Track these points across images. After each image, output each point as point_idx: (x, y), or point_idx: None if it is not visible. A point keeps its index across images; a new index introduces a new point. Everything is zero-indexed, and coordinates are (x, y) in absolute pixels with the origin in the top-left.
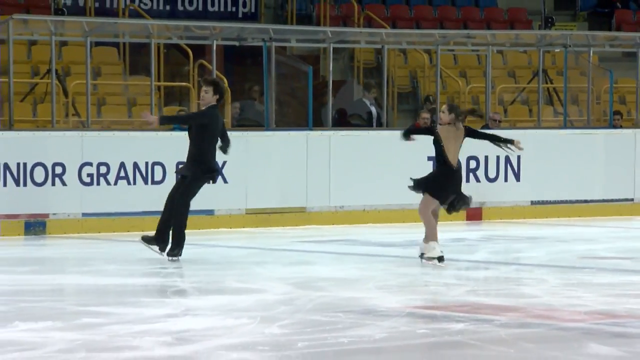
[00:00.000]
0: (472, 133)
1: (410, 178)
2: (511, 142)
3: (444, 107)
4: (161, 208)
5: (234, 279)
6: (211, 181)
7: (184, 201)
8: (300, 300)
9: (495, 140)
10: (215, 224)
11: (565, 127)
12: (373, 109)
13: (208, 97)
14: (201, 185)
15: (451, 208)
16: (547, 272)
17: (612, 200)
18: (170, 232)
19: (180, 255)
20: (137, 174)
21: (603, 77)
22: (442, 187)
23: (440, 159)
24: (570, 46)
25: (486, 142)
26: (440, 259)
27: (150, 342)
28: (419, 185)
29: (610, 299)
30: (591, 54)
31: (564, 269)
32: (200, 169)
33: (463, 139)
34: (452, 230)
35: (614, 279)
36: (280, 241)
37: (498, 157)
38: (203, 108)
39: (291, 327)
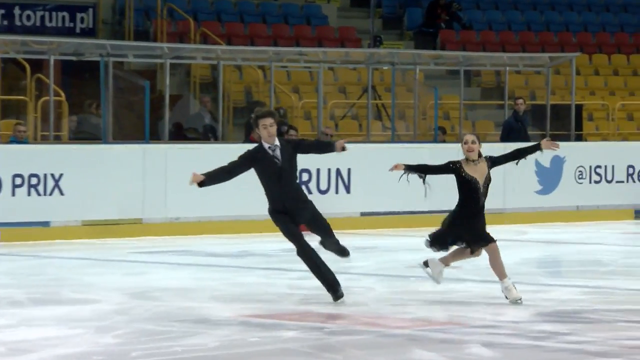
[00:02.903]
0: (496, 162)
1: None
2: (539, 147)
3: (471, 137)
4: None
5: (70, 290)
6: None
7: None
8: (136, 310)
9: (523, 155)
10: (52, 236)
11: (393, 141)
12: (209, 123)
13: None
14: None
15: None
16: (375, 281)
17: (435, 212)
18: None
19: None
20: None
21: (428, 94)
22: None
23: (471, 200)
24: (397, 64)
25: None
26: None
27: None
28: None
29: (433, 306)
30: (417, 71)
31: (391, 278)
32: None
33: (488, 172)
34: (284, 241)
35: (438, 287)
36: (117, 252)
37: (329, 170)
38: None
39: (126, 337)
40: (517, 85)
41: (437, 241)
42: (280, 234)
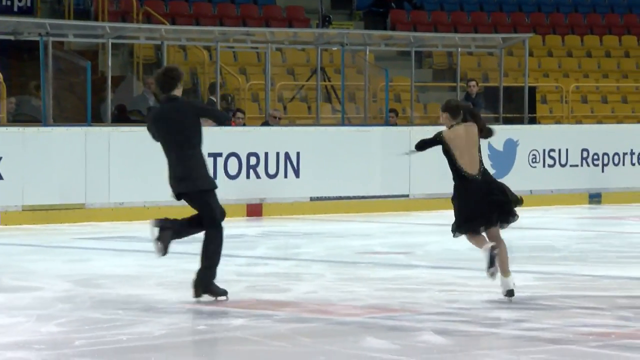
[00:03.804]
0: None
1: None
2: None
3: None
4: None
5: (10, 277)
6: None
7: None
8: (79, 297)
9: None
10: None
11: (343, 124)
12: (153, 104)
13: None
14: None
15: (500, 223)
16: (325, 267)
17: (388, 196)
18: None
19: None
20: None
21: (379, 76)
22: (468, 214)
23: (454, 170)
24: (347, 45)
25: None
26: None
27: None
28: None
29: (384, 293)
30: (367, 52)
31: (341, 264)
32: None
33: (479, 140)
34: (232, 227)
35: (388, 273)
36: (59, 238)
37: (278, 154)
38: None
39: (69, 325)
40: (470, 66)
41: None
42: (228, 219)
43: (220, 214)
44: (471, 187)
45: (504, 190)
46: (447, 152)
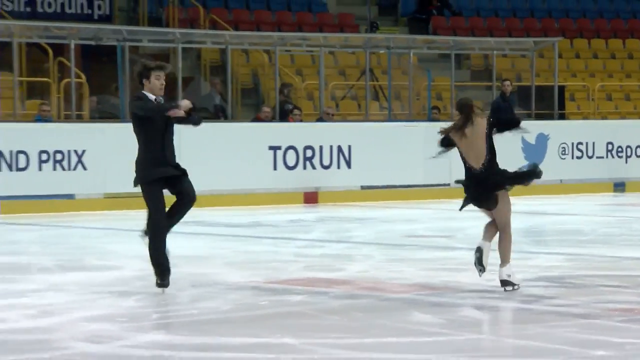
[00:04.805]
0: (497, 124)
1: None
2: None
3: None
4: (24, 192)
5: (94, 257)
6: None
7: None
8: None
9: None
10: (76, 207)
11: (389, 120)
12: (219, 103)
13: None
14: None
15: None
16: (374, 249)
17: (431, 185)
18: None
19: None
20: (2, 161)
21: (422, 76)
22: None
23: (465, 165)
24: (393, 48)
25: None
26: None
27: (17, 314)
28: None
29: (428, 273)
30: (411, 55)
31: (389, 247)
32: None
33: (487, 134)
34: (290, 212)
35: (432, 254)
36: (137, 223)
37: (331, 147)
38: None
39: (146, 301)
40: (504, 67)
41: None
42: (287, 206)
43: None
44: (472, 177)
45: (503, 173)
46: (455, 148)
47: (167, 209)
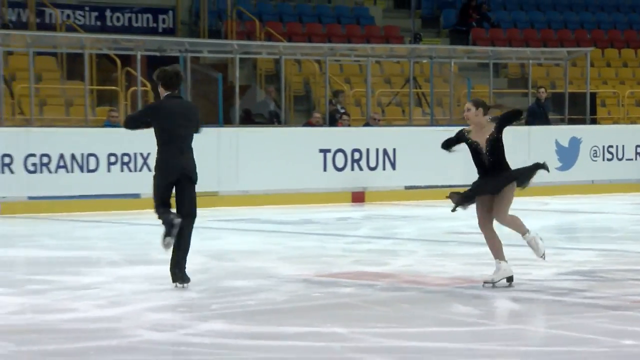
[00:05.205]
0: (503, 121)
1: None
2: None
3: (467, 105)
4: (94, 192)
5: (158, 252)
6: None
7: None
8: (214, 269)
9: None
10: (141, 206)
11: (432, 125)
12: (273, 109)
13: None
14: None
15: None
16: (418, 245)
17: (470, 185)
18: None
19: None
20: (75, 164)
21: (462, 84)
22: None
23: (478, 163)
24: (435, 58)
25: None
26: (510, 278)
27: (87, 305)
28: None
29: (468, 267)
30: (452, 64)
31: (431, 243)
32: None
33: (497, 137)
34: (339, 211)
35: (472, 250)
36: (197, 220)
37: (377, 150)
38: None
39: (206, 292)
40: (539, 76)
41: (464, 200)
42: (336, 205)
43: None
44: (486, 173)
45: (512, 170)
46: (472, 146)
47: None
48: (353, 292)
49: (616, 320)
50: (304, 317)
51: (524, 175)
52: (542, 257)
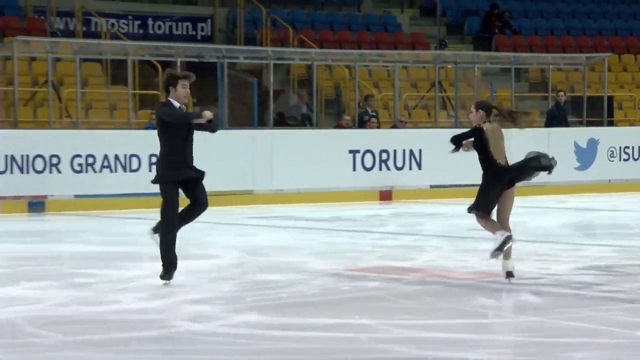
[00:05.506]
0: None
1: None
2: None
3: (472, 106)
4: (136, 191)
5: (195, 248)
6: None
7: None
8: (249, 264)
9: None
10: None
11: (456, 126)
12: (305, 112)
13: None
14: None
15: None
16: (442, 241)
17: None
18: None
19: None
20: (118, 164)
21: (485, 88)
22: (490, 196)
23: (486, 160)
24: (459, 63)
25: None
26: (506, 241)
27: (130, 297)
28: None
29: (490, 262)
30: (476, 69)
31: (455, 239)
32: None
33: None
34: (367, 208)
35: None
36: (232, 217)
37: (404, 150)
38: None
39: (241, 285)
40: (559, 80)
41: (484, 207)
42: (364, 203)
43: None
44: (499, 173)
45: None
46: (482, 144)
47: (180, 210)
48: (380, 286)
49: (631, 313)
50: (333, 310)
51: (524, 174)
52: (491, 256)
